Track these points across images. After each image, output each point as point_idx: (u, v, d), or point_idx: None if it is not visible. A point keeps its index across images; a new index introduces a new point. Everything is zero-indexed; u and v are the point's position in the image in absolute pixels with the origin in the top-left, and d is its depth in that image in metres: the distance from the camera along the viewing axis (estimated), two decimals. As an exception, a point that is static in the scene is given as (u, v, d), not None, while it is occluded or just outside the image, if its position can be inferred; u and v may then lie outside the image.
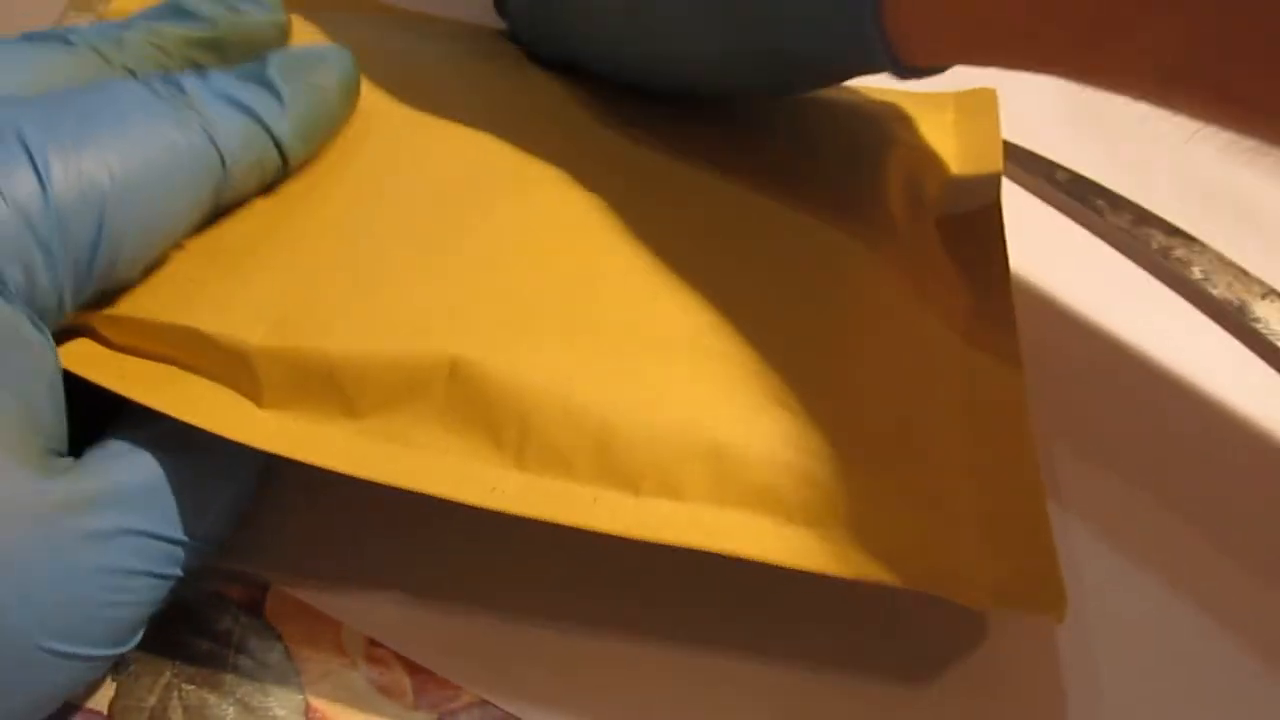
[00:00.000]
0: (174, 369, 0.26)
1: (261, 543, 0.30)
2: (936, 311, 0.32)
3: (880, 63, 0.30)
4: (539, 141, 0.32)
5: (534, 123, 0.32)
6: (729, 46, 0.31)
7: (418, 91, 0.32)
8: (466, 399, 0.26)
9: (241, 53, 0.29)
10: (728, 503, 0.26)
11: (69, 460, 0.25)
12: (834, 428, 0.27)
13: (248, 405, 0.26)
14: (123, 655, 0.28)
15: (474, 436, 0.26)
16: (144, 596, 0.25)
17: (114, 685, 0.28)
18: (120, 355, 0.26)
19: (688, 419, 0.26)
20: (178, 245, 0.27)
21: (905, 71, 0.30)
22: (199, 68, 0.29)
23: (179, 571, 0.26)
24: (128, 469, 0.25)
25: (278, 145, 0.27)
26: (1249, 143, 0.26)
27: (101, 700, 0.27)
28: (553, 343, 0.27)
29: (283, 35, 0.31)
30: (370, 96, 0.31)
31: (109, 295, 0.26)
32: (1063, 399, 0.35)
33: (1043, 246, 0.39)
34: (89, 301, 0.25)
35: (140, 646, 0.28)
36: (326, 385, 0.26)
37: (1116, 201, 0.41)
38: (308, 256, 0.28)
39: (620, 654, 0.29)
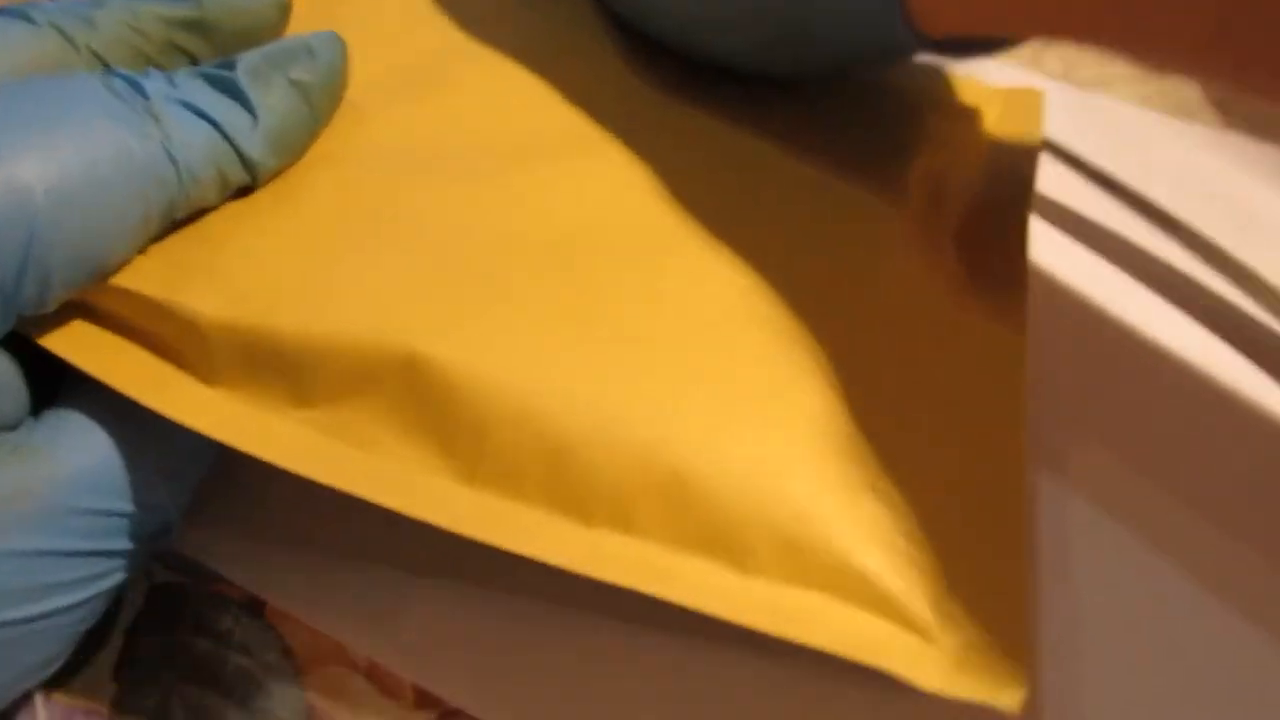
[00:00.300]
0: (123, 339, 0.25)
1: (258, 561, 0.30)
2: (946, 332, 0.30)
3: (900, 34, 0.28)
4: (546, 116, 0.30)
5: (550, 94, 0.30)
6: (745, 19, 0.30)
7: (415, 64, 0.31)
8: (421, 398, 0.24)
9: (233, 37, 0.27)
10: (680, 542, 0.24)
11: (10, 439, 0.24)
12: (809, 464, 0.24)
13: (194, 383, 0.25)
14: (125, 654, 0.28)
15: (425, 442, 0.24)
16: (101, 570, 0.24)
17: (115, 685, 0.28)
18: (70, 319, 0.25)
19: (652, 439, 0.24)
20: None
21: (926, 44, 0.29)
22: (182, 55, 0.27)
23: (130, 544, 0.25)
24: (75, 444, 0.24)
25: (245, 160, 0.25)
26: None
27: (102, 700, 0.27)
28: (522, 340, 0.25)
29: (283, 14, 0.29)
30: (362, 69, 0.29)
31: None
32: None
33: (1081, 279, 0.37)
34: (27, 319, 0.24)
35: (141, 647, 0.28)
36: (278, 366, 0.24)
37: (1160, 233, 0.39)
38: (273, 236, 0.26)
39: (617, 672, 0.29)
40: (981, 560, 0.25)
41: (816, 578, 0.24)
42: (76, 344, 0.25)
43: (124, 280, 0.25)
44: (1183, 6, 0.24)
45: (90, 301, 0.25)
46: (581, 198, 0.28)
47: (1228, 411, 0.35)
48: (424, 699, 0.28)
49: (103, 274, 0.24)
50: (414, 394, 0.24)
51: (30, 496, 0.23)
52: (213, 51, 0.28)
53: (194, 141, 0.24)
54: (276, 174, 0.27)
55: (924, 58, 0.31)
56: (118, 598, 0.29)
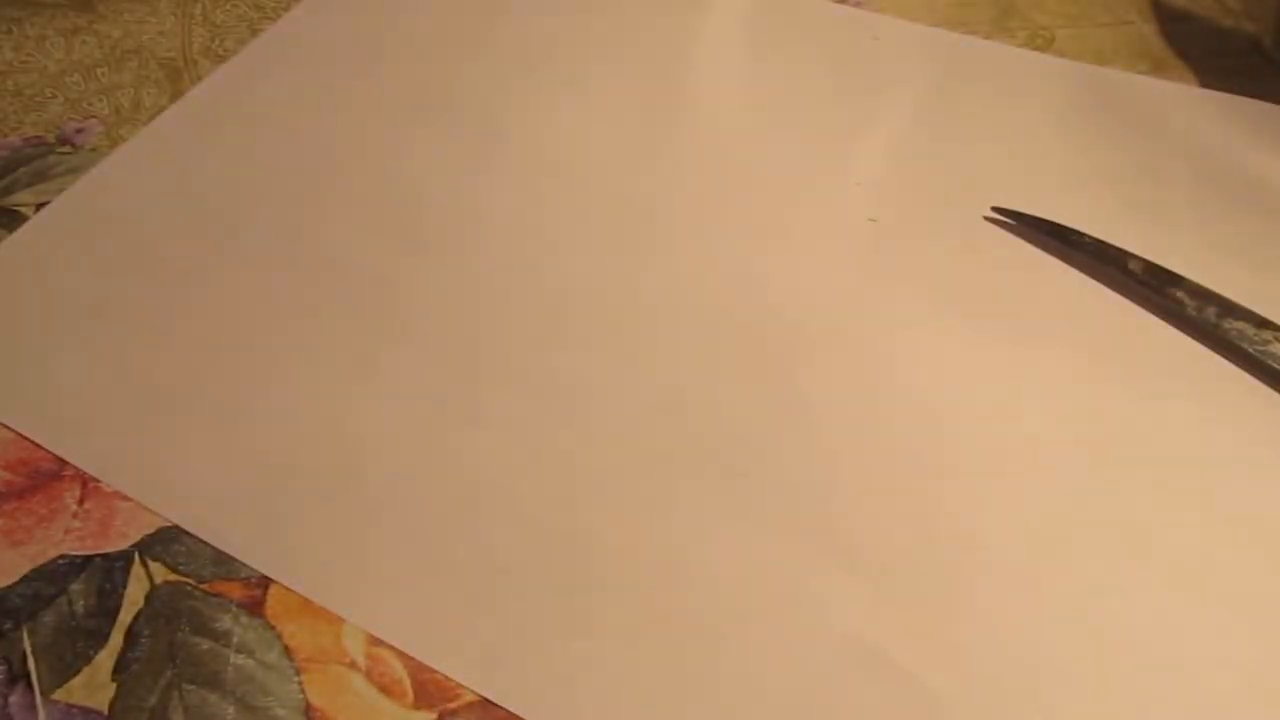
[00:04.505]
0: None
1: (263, 541, 0.30)
2: None
3: None
4: None
5: None
6: None
7: None
8: None
9: None
10: None
11: None
12: None
13: None
14: (125, 654, 0.28)
15: None
16: None
17: (115, 685, 0.28)
18: None
19: None
20: None
21: None
22: None
23: None
24: None
25: None
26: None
27: (102, 700, 0.27)
28: None
29: None
30: None
31: None
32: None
33: (1119, 339, 0.36)
34: None
35: (141, 647, 0.28)
36: None
37: (1199, 293, 0.36)
38: None
39: (620, 652, 0.28)
40: None
41: None
42: None
43: None
44: None
45: None
46: None
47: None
48: (424, 699, 0.28)
49: None
50: None
51: None
52: None
53: None
54: None
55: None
56: (118, 598, 0.29)
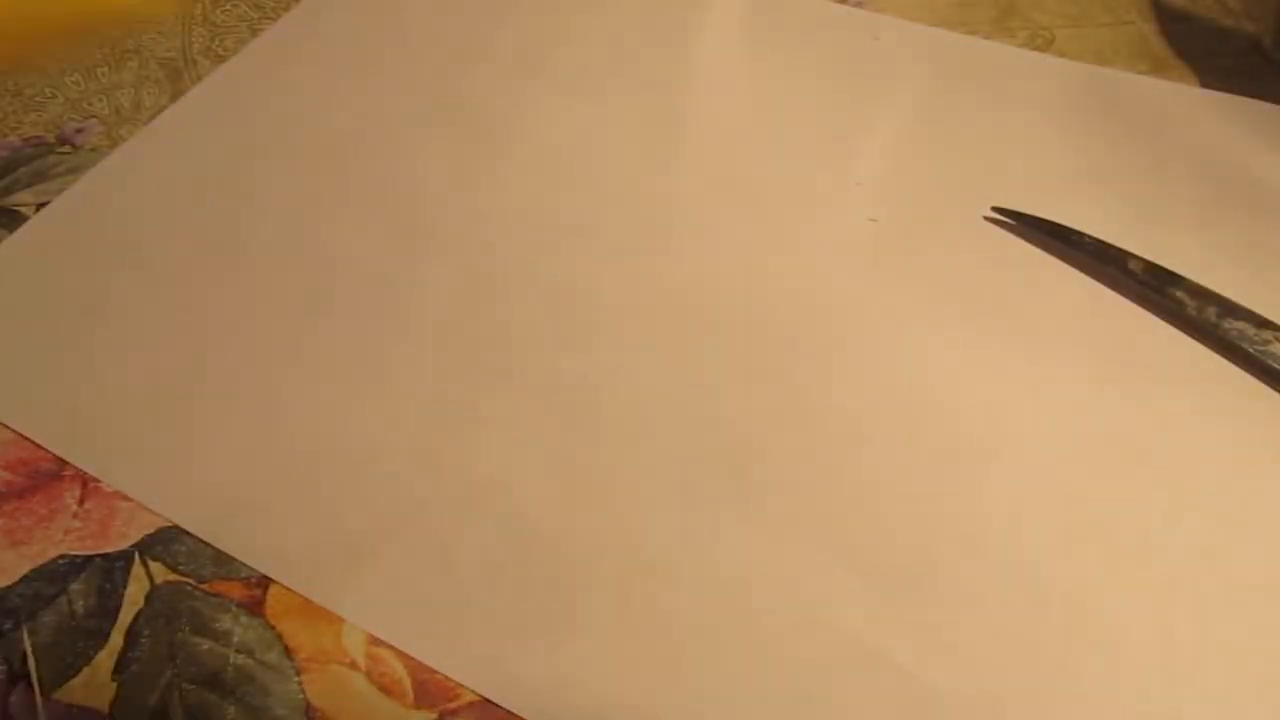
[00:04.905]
0: None
1: (263, 541, 0.30)
2: None
3: None
4: None
5: None
6: None
7: None
8: None
9: None
10: None
11: None
12: None
13: None
14: (125, 654, 0.28)
15: None
16: None
17: (115, 685, 0.28)
18: None
19: None
20: None
21: None
22: None
23: None
24: None
25: None
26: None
27: (102, 700, 0.27)
28: None
29: None
30: None
31: None
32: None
33: (1119, 339, 0.36)
34: None
35: (141, 647, 0.28)
36: None
37: (1199, 293, 0.36)
38: None
39: (620, 651, 0.29)
40: None
41: None
42: None
43: None
44: None
45: None
46: None
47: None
48: (424, 699, 0.28)
49: None
50: None
51: None
52: None
53: None
54: None
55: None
56: (118, 598, 0.29)
